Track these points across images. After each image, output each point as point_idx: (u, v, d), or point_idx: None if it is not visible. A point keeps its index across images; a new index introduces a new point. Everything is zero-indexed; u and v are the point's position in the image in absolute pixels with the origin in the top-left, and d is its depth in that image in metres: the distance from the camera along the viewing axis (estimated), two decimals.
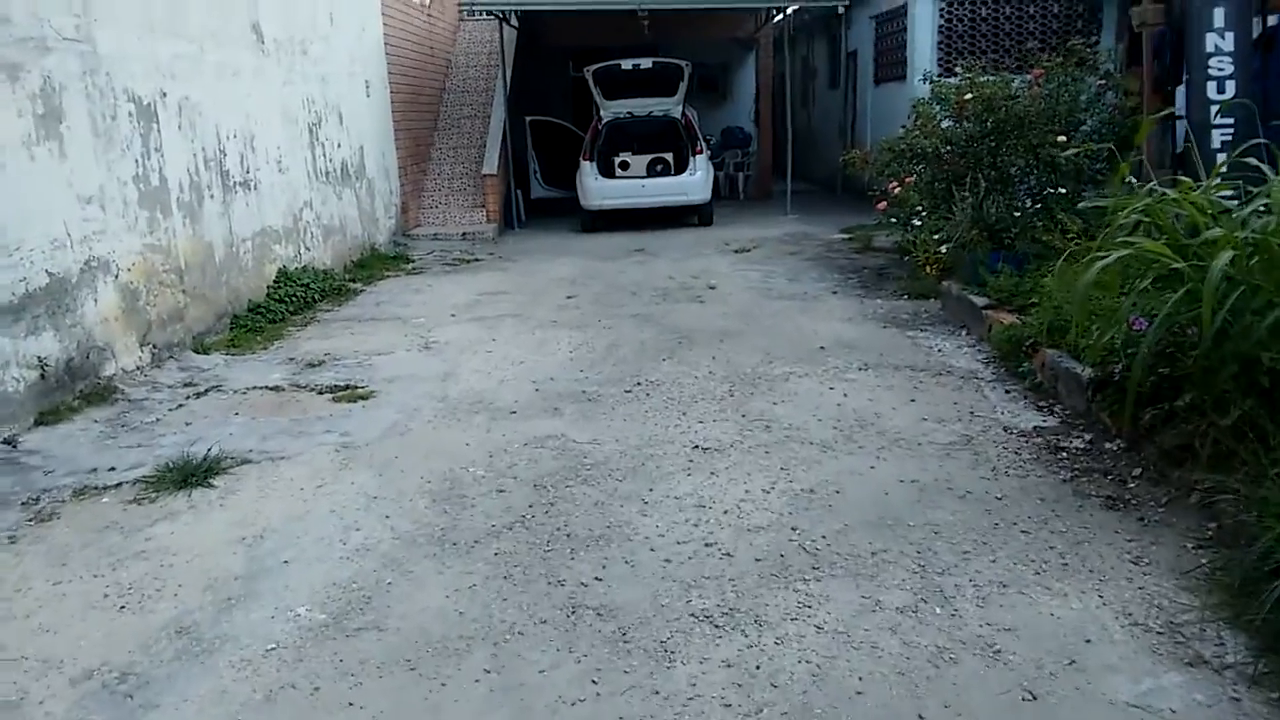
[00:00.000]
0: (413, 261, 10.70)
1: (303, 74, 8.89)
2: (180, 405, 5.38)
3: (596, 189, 12.48)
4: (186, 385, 5.76)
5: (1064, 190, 7.08)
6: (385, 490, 4.13)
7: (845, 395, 5.14)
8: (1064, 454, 4.20)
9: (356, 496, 4.07)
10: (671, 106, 13.01)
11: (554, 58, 17.46)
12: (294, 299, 7.95)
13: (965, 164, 7.94)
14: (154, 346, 6.06)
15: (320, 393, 5.57)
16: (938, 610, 3.02)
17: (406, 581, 3.34)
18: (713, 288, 8.51)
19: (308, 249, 8.82)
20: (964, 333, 6.33)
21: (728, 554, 3.44)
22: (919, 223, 7.47)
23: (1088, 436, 4.34)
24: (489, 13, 13.78)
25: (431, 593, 3.26)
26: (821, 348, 6.18)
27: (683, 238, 11.96)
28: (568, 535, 3.64)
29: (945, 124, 8.41)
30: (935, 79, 9.16)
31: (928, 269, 7.59)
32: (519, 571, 3.38)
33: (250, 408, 5.32)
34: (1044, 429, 4.50)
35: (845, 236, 11.41)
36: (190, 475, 4.25)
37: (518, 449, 4.54)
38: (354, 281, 9.34)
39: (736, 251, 10.62)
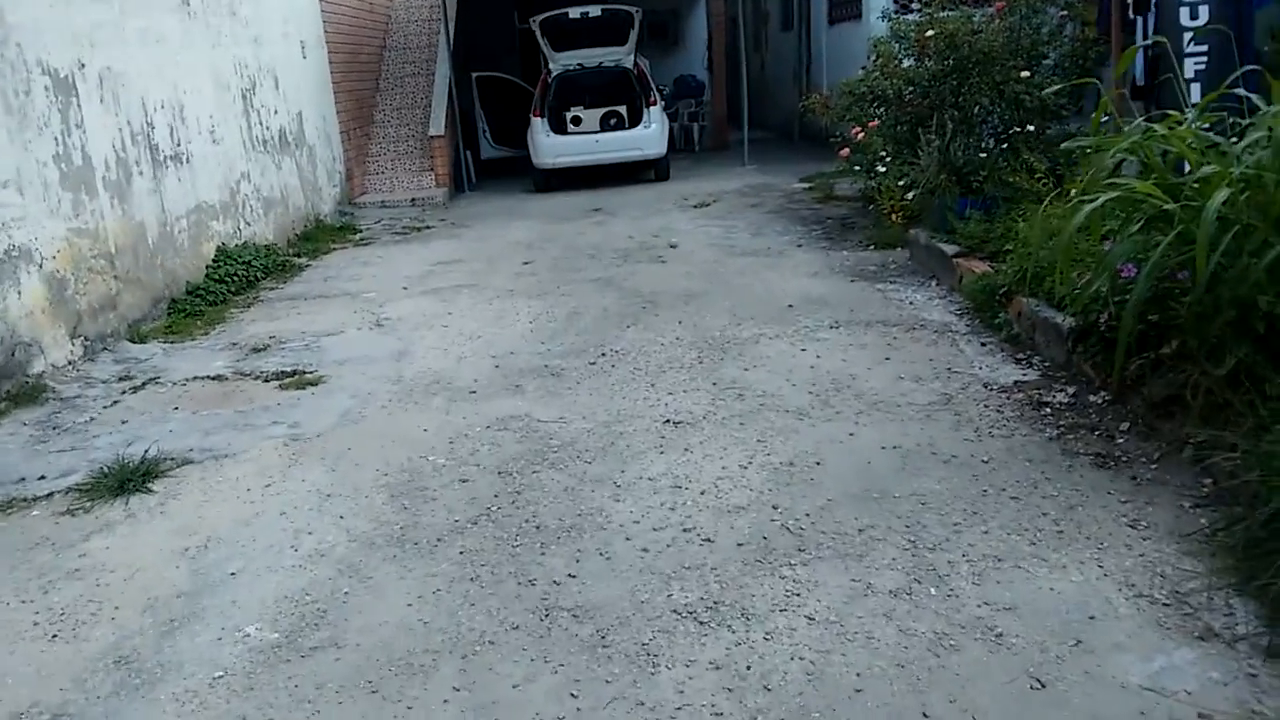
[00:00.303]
0: (360, 232, 10.29)
1: (232, 36, 8.39)
2: (116, 402, 5.04)
3: (548, 146, 12.09)
4: (122, 379, 5.41)
5: (1030, 128, 6.88)
6: (339, 486, 3.87)
7: (818, 357, 4.95)
8: (1048, 410, 4.05)
9: (308, 495, 3.81)
10: (623, 56, 12.59)
11: (499, 9, 16.85)
12: (235, 278, 7.57)
13: (929, 105, 7.70)
14: (86, 338, 5.69)
15: (266, 380, 5.26)
16: (932, 591, 2.86)
17: (365, 590, 3.11)
18: (674, 246, 8.25)
19: (248, 224, 8.40)
20: (934, 283, 6.15)
21: (708, 539, 3.24)
22: (883, 169, 7.25)
23: (1071, 390, 4.19)
24: None
25: (392, 601, 3.03)
26: (790, 306, 5.98)
27: (640, 194, 11.65)
28: (537, 527, 3.42)
29: (906, 64, 8.17)
30: (894, 16, 8.88)
31: (893, 217, 7.40)
32: (486, 571, 3.16)
33: (191, 401, 5.01)
34: (1025, 383, 4.35)
35: (806, 186, 11.17)
36: (127, 480, 3.96)
37: (480, 433, 4.29)
38: (299, 256, 8.94)
39: (696, 207, 10.35)
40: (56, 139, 5.53)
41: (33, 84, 5.33)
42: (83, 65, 5.86)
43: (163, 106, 6.92)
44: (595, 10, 12.08)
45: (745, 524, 3.32)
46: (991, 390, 4.31)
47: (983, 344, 4.93)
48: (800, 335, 5.34)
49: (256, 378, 5.32)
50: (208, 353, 5.93)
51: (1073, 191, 5.90)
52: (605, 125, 12.44)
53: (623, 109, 12.50)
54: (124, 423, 4.73)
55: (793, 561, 3.07)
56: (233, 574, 3.26)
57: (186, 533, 3.57)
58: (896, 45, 8.21)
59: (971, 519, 3.24)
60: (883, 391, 4.39)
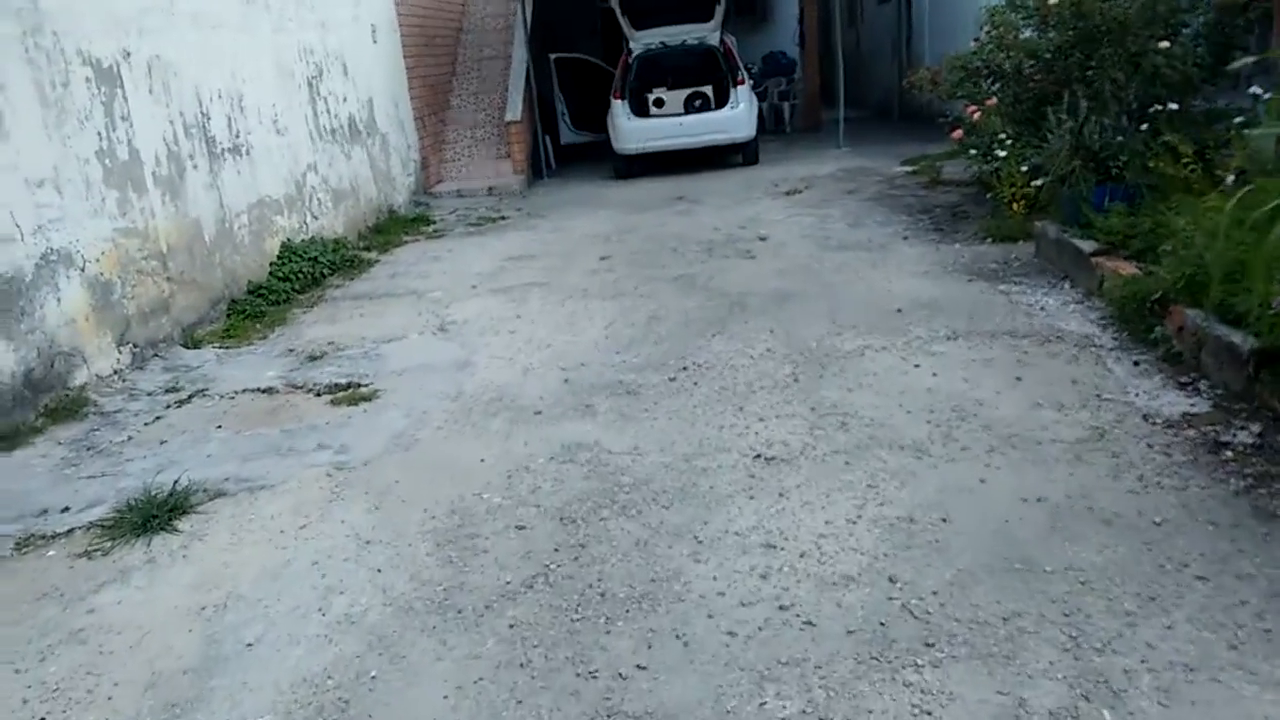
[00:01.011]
0: (434, 223, 9.89)
1: (297, 20, 8.02)
2: (158, 418, 4.67)
3: (630, 130, 11.49)
4: (169, 390, 5.05)
5: (1173, 106, 5.99)
6: (381, 530, 3.38)
7: (935, 375, 4.26)
8: (1229, 453, 3.30)
9: (346, 541, 3.33)
10: (708, 33, 11.88)
11: None
12: (300, 276, 7.21)
13: (1054, 81, 6.85)
14: (135, 345, 5.36)
15: (318, 394, 4.83)
16: (1107, 716, 2.19)
17: (396, 672, 2.60)
18: (764, 239, 7.58)
19: (315, 217, 8.05)
20: (1068, 285, 5.35)
21: (809, 622, 2.63)
22: (1003, 153, 6.43)
23: (1255, 428, 3.42)
24: None
25: (426, 690, 2.51)
26: (898, 310, 5.27)
27: (727, 180, 10.97)
28: (601, 595, 2.86)
29: (1026, 35, 7.31)
30: None
31: (1014, 206, 6.58)
32: (540, 654, 2.61)
33: (236, 418, 4.60)
34: (1195, 417, 3.59)
35: (909, 169, 10.32)
36: (152, 517, 3.55)
37: (542, 465, 3.75)
38: (369, 250, 8.57)
39: (787, 194, 9.63)
40: (100, 133, 5.18)
41: (71, 75, 4.98)
42: (128, 54, 5.50)
43: (220, 96, 6.57)
44: None
45: (856, 602, 2.70)
46: (1154, 425, 3.56)
47: (1135, 363, 4.16)
48: (912, 348, 4.64)
49: (309, 390, 4.89)
50: (262, 360, 5.54)
51: (1230, 179, 5.07)
52: (690, 107, 11.76)
53: (708, 90, 11.80)
54: (162, 443, 4.34)
55: (919, 660, 2.43)
56: (249, 645, 2.79)
57: (206, 586, 3.12)
58: (1014, 15, 7.35)
59: (1148, 607, 2.55)
60: (1017, 422, 3.69)
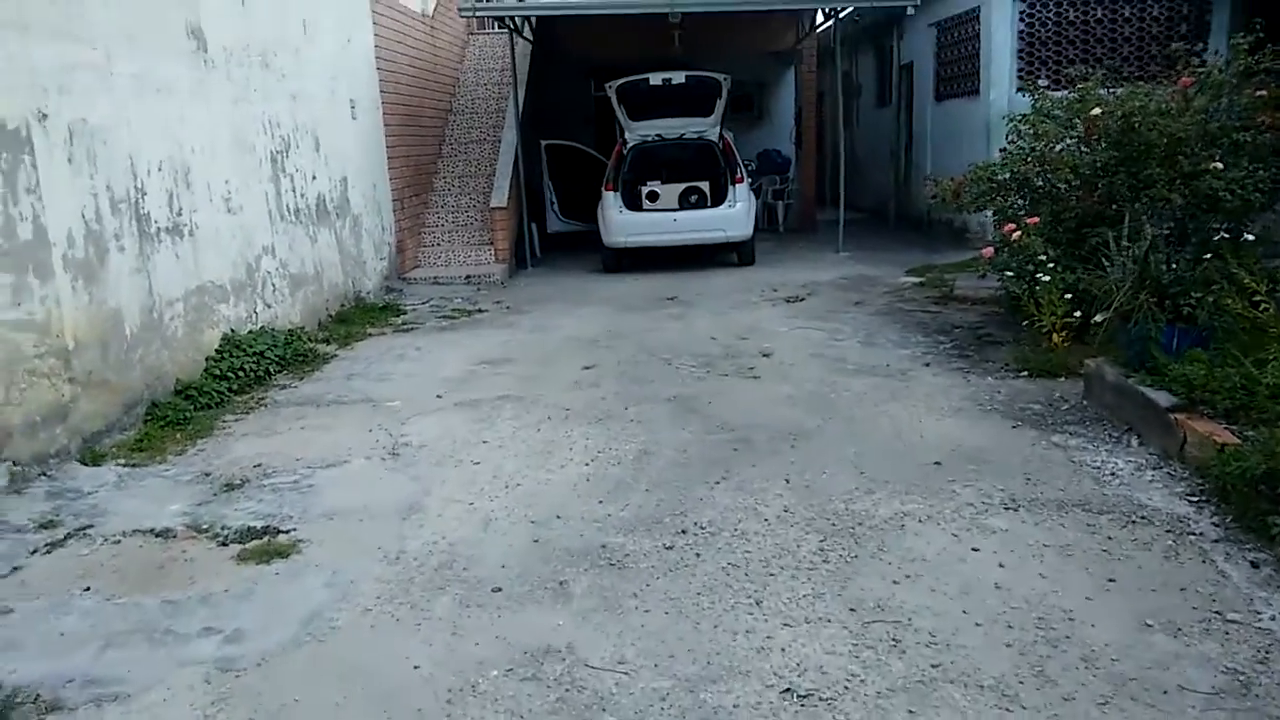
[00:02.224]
0: (404, 313, 9.04)
1: (264, 91, 7.29)
2: (15, 569, 3.70)
3: (621, 223, 10.80)
4: (44, 526, 4.08)
5: (1248, 235, 5.31)
6: None
7: (1002, 566, 3.38)
8: None
9: None
10: (707, 128, 11.33)
11: (573, 74, 15.89)
12: (241, 374, 6.30)
13: (1097, 200, 6.19)
14: (15, 463, 4.41)
15: (224, 542, 3.87)
16: None
17: None
18: (767, 355, 6.77)
19: (267, 305, 7.18)
20: (1135, 442, 4.53)
21: None
22: (1046, 277, 5.70)
23: None
24: (498, 22, 12.22)
25: None
26: (937, 463, 4.43)
27: (721, 281, 10.25)
28: None
29: (1060, 146, 6.70)
30: (1040, 90, 7.43)
31: (1054, 336, 5.82)
32: None
33: (114, 575, 3.63)
34: None
35: (916, 280, 9.65)
36: None
37: (495, 683, 2.81)
38: (328, 342, 7.69)
39: (788, 301, 8.89)
40: None
41: None
42: (44, 116, 4.68)
43: (160, 169, 5.76)
44: (679, 77, 10.87)
45: None
46: None
47: (1253, 564, 3.31)
48: (964, 519, 3.78)
49: (214, 536, 3.94)
50: (170, 486, 4.59)
51: None
52: (685, 202, 11.12)
53: (705, 185, 11.18)
54: (7, 612, 3.36)
55: None
56: None
57: None
58: (1048, 122, 6.75)
59: None
60: (1127, 654, 2.80)
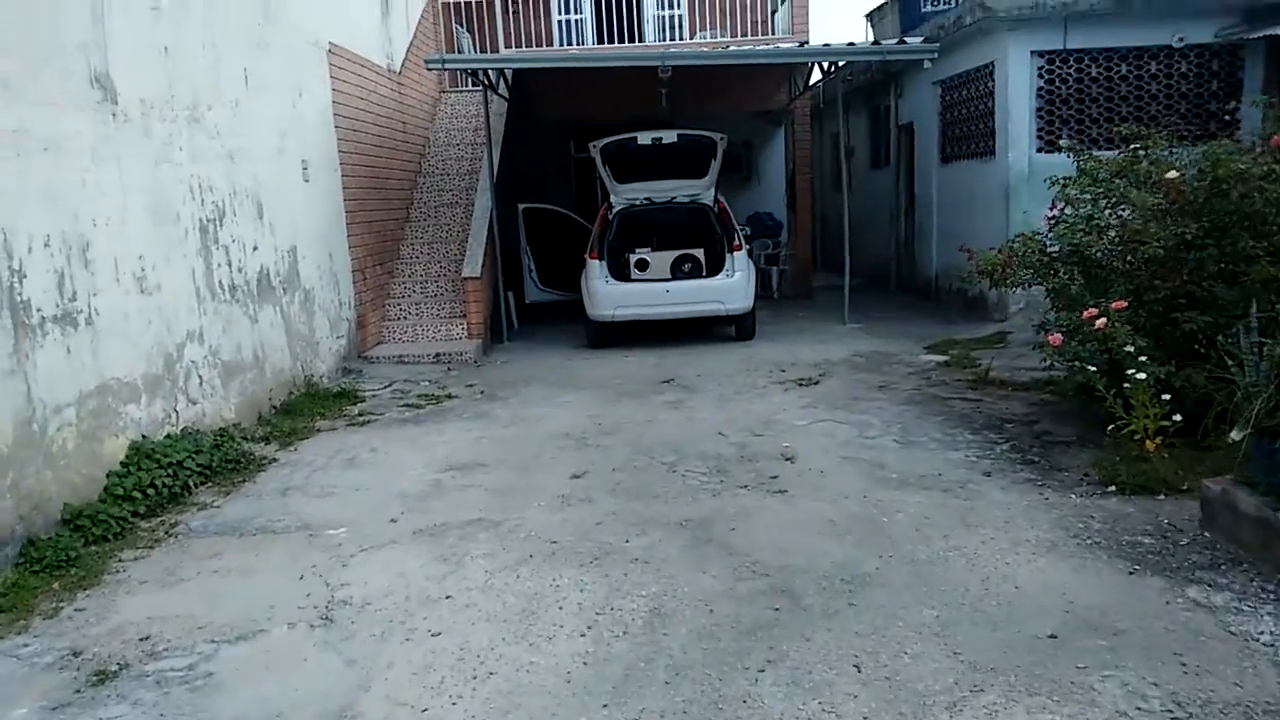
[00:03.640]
0: (362, 401, 7.89)
1: (192, 150, 6.23)
2: None
3: (607, 295, 9.76)
4: None
5: None
6: None
7: None
8: None
9: None
10: (701, 190, 10.37)
11: (553, 135, 15.04)
12: (152, 491, 5.13)
13: (1187, 279, 5.21)
14: None
15: None
16: None
17: None
18: (790, 459, 5.68)
19: (191, 402, 6.03)
20: None
21: None
22: (1141, 374, 4.67)
23: None
24: (472, 78, 11.31)
25: None
26: (1052, 635, 3.32)
27: (721, 359, 9.19)
28: None
29: (1118, 214, 5.78)
30: (1086, 153, 6.53)
31: (1148, 444, 4.78)
32: None
33: None
34: None
35: (939, 359, 8.64)
36: None
37: None
38: (268, 441, 6.52)
39: (801, 384, 7.83)
40: None
41: None
42: None
43: (47, 244, 4.64)
44: (670, 136, 9.93)
45: None
46: None
47: None
48: None
49: None
50: (21, 675, 3.38)
51: None
52: (678, 271, 10.11)
53: (699, 253, 10.19)
54: None
55: None
56: None
57: None
58: (1116, 187, 5.81)
59: None
60: None
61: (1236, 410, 4.07)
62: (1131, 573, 3.82)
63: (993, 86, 10.14)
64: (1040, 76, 9.74)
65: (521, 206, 11.73)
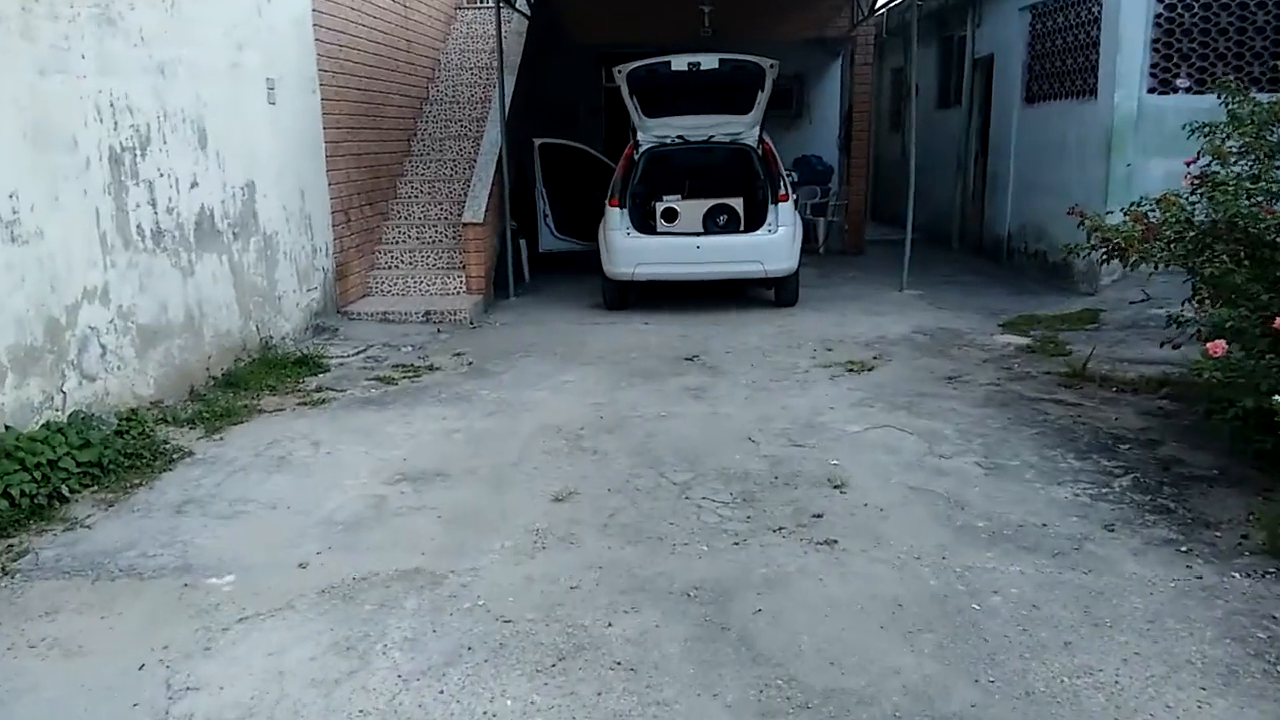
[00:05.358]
0: (325, 370, 6.65)
1: (99, 58, 4.92)
2: None
3: (627, 250, 8.38)
4: None
5: None
6: None
7: None
8: None
9: None
10: (744, 128, 8.84)
11: (582, 62, 13.48)
12: (4, 504, 3.93)
13: None
14: None
15: None
16: None
17: None
18: (840, 488, 4.34)
19: (88, 378, 4.82)
20: None
21: None
22: None
23: None
24: None
25: None
26: None
27: (757, 331, 7.82)
28: None
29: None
30: (1239, 92, 5.01)
31: None
32: None
33: None
34: None
35: (1019, 342, 7.19)
36: None
37: None
38: (193, 425, 5.31)
39: (851, 370, 6.45)
40: None
41: None
42: None
43: None
44: (710, 61, 8.40)
45: None
46: None
47: None
48: None
49: None
50: None
51: None
52: (711, 225, 8.67)
53: (738, 203, 8.73)
54: None
55: None
56: None
57: None
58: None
59: None
60: None
61: None
62: None
63: (1099, 12, 8.45)
64: (1160, 1, 8.05)
65: (538, 142, 10.31)
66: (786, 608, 3.26)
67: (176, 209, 5.66)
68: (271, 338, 6.84)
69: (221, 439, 5.16)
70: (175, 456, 4.84)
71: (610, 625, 3.15)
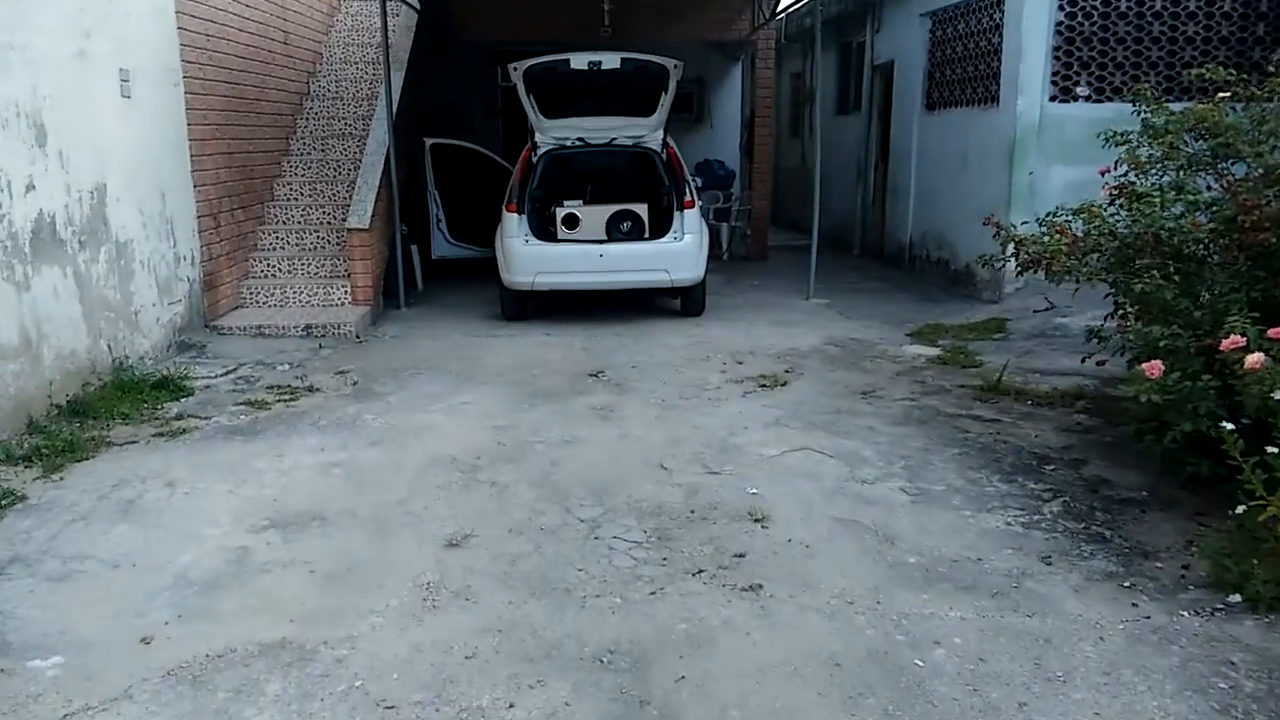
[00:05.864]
0: (188, 394, 5.98)
1: None
2: None
3: (526, 258, 7.92)
4: None
5: None
6: None
7: None
8: None
9: None
10: (647, 131, 8.48)
11: (475, 60, 12.96)
12: None
13: None
14: None
15: None
16: None
17: None
18: (762, 521, 4.00)
19: None
20: None
21: None
22: None
23: None
24: None
25: None
26: None
27: (664, 342, 7.47)
28: None
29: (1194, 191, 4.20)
30: (1151, 104, 4.94)
31: None
32: None
33: None
34: None
35: (930, 353, 7.04)
36: None
37: None
38: (29, 462, 4.62)
39: (764, 385, 6.16)
40: None
41: None
42: None
43: None
44: (612, 60, 8.02)
45: None
46: None
47: None
48: None
49: None
50: None
51: None
52: (614, 232, 8.27)
53: (642, 209, 8.36)
54: None
55: None
56: None
57: None
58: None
59: None
60: None
61: None
62: None
63: (1001, 19, 8.43)
64: (1061, 9, 8.06)
65: (429, 142, 9.75)
66: (713, 672, 2.89)
67: (8, 216, 4.94)
68: (127, 358, 6.12)
69: (61, 479, 4.49)
70: (3, 503, 4.16)
71: (512, 706, 2.72)
